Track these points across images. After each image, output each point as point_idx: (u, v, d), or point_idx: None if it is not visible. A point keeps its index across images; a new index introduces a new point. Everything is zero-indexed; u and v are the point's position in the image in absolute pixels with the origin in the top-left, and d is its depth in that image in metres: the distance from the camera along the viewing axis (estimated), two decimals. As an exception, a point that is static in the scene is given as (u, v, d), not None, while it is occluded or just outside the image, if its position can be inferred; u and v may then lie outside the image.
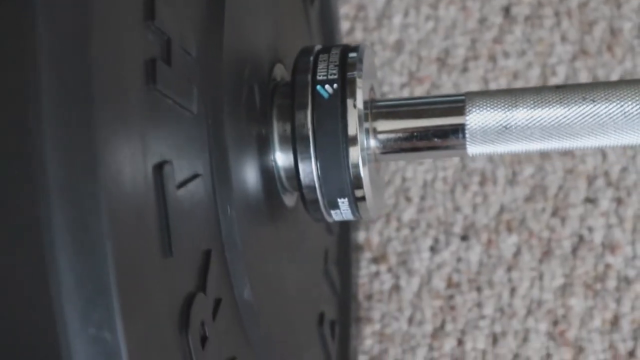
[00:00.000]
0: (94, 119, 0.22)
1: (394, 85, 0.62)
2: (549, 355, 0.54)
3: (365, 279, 0.57)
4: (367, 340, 0.56)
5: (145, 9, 0.26)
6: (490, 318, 0.56)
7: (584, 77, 0.61)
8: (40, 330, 0.21)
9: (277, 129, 0.37)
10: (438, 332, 0.56)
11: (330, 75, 0.36)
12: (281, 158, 0.37)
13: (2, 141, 0.22)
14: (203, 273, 0.29)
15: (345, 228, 0.55)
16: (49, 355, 0.21)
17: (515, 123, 0.36)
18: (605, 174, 0.59)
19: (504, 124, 0.36)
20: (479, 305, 0.56)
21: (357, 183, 0.36)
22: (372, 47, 0.63)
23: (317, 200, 0.37)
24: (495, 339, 0.55)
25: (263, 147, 0.36)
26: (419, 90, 0.62)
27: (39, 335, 0.21)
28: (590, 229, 0.57)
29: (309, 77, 0.36)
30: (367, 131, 0.36)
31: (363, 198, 0.37)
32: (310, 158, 0.36)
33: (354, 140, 0.36)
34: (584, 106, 0.35)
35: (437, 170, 0.60)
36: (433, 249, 0.58)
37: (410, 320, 0.56)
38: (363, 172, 0.36)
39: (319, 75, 0.36)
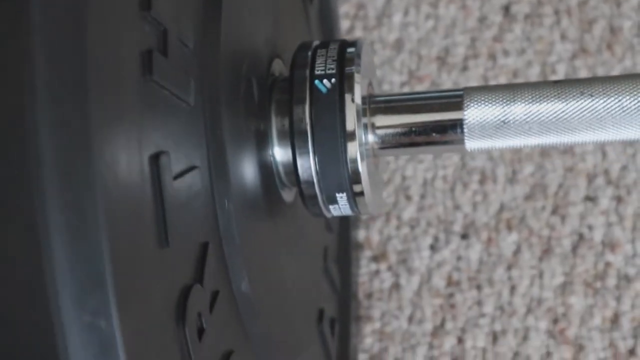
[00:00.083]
0: (89, 107, 0.22)
1: (394, 84, 0.62)
2: (549, 354, 0.54)
3: (365, 278, 0.57)
4: (367, 339, 0.56)
5: (141, -1, 0.26)
6: (490, 316, 0.56)
7: (583, 76, 0.61)
8: (35, 317, 0.21)
9: (275, 124, 0.37)
10: (438, 330, 0.56)
11: (329, 69, 0.36)
12: (280, 153, 0.37)
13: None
14: (200, 265, 0.29)
15: (345, 226, 0.55)
16: (43, 342, 0.21)
17: (514, 118, 0.36)
18: (605, 172, 0.59)
19: (502, 119, 0.36)
20: (479, 303, 0.56)
21: (356, 178, 0.36)
22: (371, 45, 0.63)
23: (315, 196, 0.37)
24: (495, 337, 0.55)
25: (261, 142, 0.36)
26: (419, 89, 0.62)
27: (33, 322, 0.21)
28: (590, 227, 0.57)
29: (307, 72, 0.36)
30: (365, 126, 0.37)
31: (361, 193, 0.37)
32: (308, 153, 0.36)
33: (352, 135, 0.36)
34: (582, 101, 0.35)
35: (437, 168, 0.60)
36: (433, 248, 0.58)
37: (410, 319, 0.56)
38: (361, 167, 0.36)
39: (317, 70, 0.36)
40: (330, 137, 0.36)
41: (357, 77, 0.36)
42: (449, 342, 0.55)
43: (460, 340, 0.55)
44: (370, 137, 0.37)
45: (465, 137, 0.36)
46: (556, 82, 0.36)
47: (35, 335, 0.22)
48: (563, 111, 0.36)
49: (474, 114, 0.36)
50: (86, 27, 0.23)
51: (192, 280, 0.28)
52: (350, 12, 0.64)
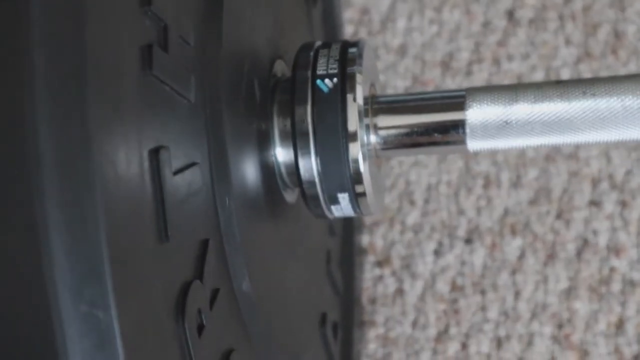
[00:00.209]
0: (88, 101, 0.22)
1: (397, 88, 0.62)
2: (553, 359, 0.54)
3: (369, 283, 0.57)
4: (371, 344, 0.56)
5: (141, -6, 0.26)
6: (495, 322, 0.55)
7: (588, 81, 0.61)
8: (33, 307, 0.21)
9: (277, 125, 0.37)
10: (442, 335, 0.55)
11: (330, 69, 0.36)
12: (281, 154, 0.37)
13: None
14: (200, 262, 0.29)
15: (349, 230, 0.55)
16: (41, 332, 0.21)
17: (516, 118, 0.36)
18: (609, 176, 0.58)
19: (504, 119, 0.36)
20: (483, 308, 0.56)
21: (357, 178, 0.36)
22: (375, 50, 0.63)
23: (317, 196, 0.37)
24: (499, 343, 0.55)
25: (263, 142, 0.36)
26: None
27: (32, 312, 0.21)
28: (594, 232, 0.57)
29: (309, 72, 0.36)
30: (367, 126, 0.36)
31: (363, 194, 0.37)
32: (310, 153, 0.36)
33: (354, 135, 0.36)
34: (585, 101, 0.35)
35: (441, 173, 0.59)
36: (437, 253, 0.58)
37: (414, 324, 0.56)
38: (363, 168, 0.36)
39: (319, 70, 0.36)
40: (332, 138, 0.36)
41: (358, 77, 0.36)
42: (453, 348, 0.55)
43: (464, 346, 0.55)
44: (373, 138, 0.37)
45: (468, 138, 0.36)
46: (558, 83, 0.36)
47: (33, 325, 0.22)
48: (565, 111, 0.35)
49: (476, 114, 0.36)
50: (86, 21, 0.23)
51: (192, 276, 0.28)
52: (354, 17, 0.64)
